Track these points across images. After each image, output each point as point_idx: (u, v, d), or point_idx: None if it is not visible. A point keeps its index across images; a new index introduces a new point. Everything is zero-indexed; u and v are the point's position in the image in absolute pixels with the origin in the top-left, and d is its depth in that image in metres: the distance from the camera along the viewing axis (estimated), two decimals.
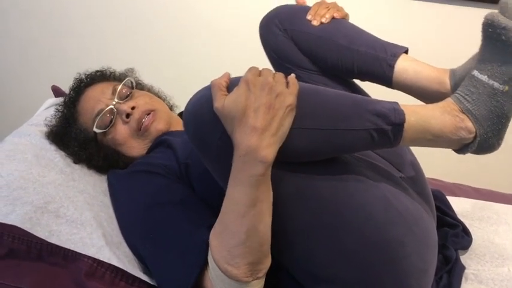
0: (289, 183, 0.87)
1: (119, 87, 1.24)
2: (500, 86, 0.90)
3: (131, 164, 1.19)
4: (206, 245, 0.89)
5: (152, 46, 2.16)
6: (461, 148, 0.94)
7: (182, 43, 2.15)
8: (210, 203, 1.01)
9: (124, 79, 1.28)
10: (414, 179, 1.04)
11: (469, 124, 0.90)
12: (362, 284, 0.91)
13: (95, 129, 1.21)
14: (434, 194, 1.28)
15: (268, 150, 0.79)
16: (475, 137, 0.92)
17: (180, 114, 1.40)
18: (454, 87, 1.02)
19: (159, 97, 1.36)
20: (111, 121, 1.21)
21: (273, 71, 0.85)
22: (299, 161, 0.87)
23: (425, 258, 0.95)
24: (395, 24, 1.95)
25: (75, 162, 1.20)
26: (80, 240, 1.01)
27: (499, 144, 0.96)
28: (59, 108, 1.30)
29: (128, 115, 1.20)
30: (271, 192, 0.84)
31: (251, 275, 0.85)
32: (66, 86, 1.36)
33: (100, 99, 1.23)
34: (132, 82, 1.30)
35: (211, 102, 0.82)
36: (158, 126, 1.22)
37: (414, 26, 1.93)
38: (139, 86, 1.36)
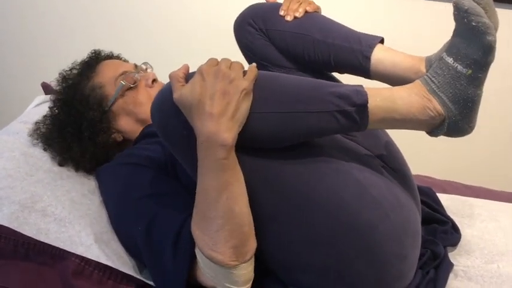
0: (256, 170, 0.88)
1: (140, 64, 1.30)
2: (464, 69, 0.90)
3: (116, 155, 1.18)
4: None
5: (146, 44, 2.15)
6: (432, 130, 0.95)
7: (178, 41, 2.14)
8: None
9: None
10: (396, 170, 1.04)
11: (436, 105, 0.91)
12: (336, 271, 0.91)
13: (122, 81, 1.22)
14: (424, 190, 1.29)
15: (228, 134, 0.81)
16: (443, 119, 0.92)
17: None
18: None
19: None
20: (136, 81, 1.25)
21: (231, 61, 0.86)
22: (266, 146, 0.88)
23: (403, 244, 0.96)
24: (390, 22, 1.95)
25: (60, 164, 1.17)
26: (68, 239, 1.00)
27: (470, 128, 0.96)
28: (74, 67, 1.31)
29: (153, 81, 1.25)
30: (241, 174, 0.86)
31: (237, 259, 0.86)
32: (56, 84, 1.34)
33: (123, 65, 1.28)
34: (147, 68, 1.34)
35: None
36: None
37: (408, 24, 1.93)
38: None
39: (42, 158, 1.16)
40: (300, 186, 0.89)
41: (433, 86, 0.92)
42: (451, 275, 1.14)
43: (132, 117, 1.24)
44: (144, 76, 1.27)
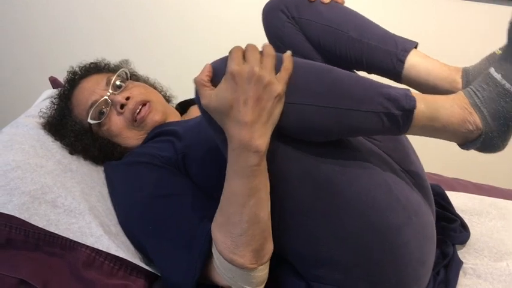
0: (296, 163, 0.86)
1: (113, 78, 1.22)
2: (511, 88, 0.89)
3: (126, 154, 1.18)
4: (209, 236, 0.89)
5: (151, 37, 2.16)
6: (466, 143, 0.94)
7: (181, 34, 2.14)
8: (208, 192, 1.01)
9: (118, 70, 1.26)
10: (414, 173, 1.03)
11: (476, 119, 0.90)
12: (361, 268, 0.91)
13: (89, 120, 1.19)
14: (433, 188, 1.28)
15: (261, 141, 0.79)
16: (480, 134, 0.91)
17: (180, 104, 1.38)
18: (466, 86, 1.01)
19: (155, 88, 1.35)
20: (105, 112, 1.19)
21: (259, 49, 0.82)
22: (310, 139, 0.86)
23: (423, 249, 0.96)
24: (399, 18, 1.94)
25: (70, 153, 1.19)
26: (78, 230, 1.00)
27: (503, 146, 0.95)
28: (54, 101, 1.28)
29: (122, 106, 1.19)
30: (268, 180, 0.85)
31: (256, 262, 0.86)
32: (64, 77, 1.35)
33: (94, 91, 1.21)
34: (126, 73, 1.28)
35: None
36: (155, 117, 1.20)
37: (418, 20, 1.93)
38: (134, 77, 1.34)
39: (51, 149, 1.16)
40: (338, 184, 0.88)
41: (477, 100, 0.90)
42: (460, 273, 1.13)
43: (115, 144, 1.22)
44: (113, 103, 1.20)
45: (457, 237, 1.20)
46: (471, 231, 1.25)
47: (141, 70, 1.40)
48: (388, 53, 1.08)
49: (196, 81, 0.82)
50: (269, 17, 1.18)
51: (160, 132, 1.17)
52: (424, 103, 0.86)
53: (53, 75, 1.55)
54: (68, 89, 1.28)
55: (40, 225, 0.98)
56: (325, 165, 0.87)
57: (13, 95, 2.31)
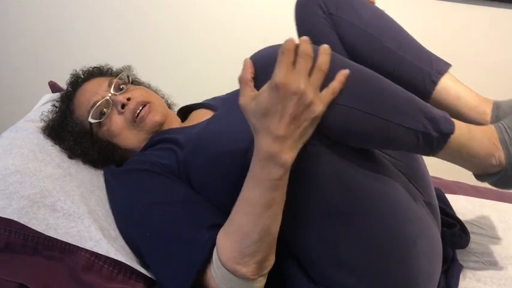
0: (330, 164, 0.86)
1: (115, 80, 1.23)
2: None
3: (126, 161, 1.17)
4: (209, 244, 0.89)
5: (153, 44, 2.16)
6: (483, 176, 0.95)
7: (183, 42, 2.15)
8: (210, 200, 1.01)
9: (120, 74, 1.28)
10: (424, 189, 1.02)
11: (501, 155, 0.90)
12: (376, 276, 0.91)
13: (90, 119, 1.18)
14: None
15: (289, 155, 0.79)
16: (500, 170, 0.92)
17: (181, 110, 1.38)
18: (495, 120, 1.01)
19: (157, 93, 1.35)
20: (106, 112, 1.19)
21: (311, 56, 0.78)
22: (347, 143, 0.86)
23: (432, 263, 0.97)
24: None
25: (69, 157, 1.19)
26: (77, 234, 1.00)
27: None
28: (56, 103, 1.29)
29: (123, 106, 1.18)
30: (285, 194, 0.84)
31: (257, 273, 0.86)
32: (63, 82, 1.35)
33: (96, 92, 1.21)
34: (128, 76, 1.29)
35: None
36: (155, 117, 1.19)
37: (423, 24, 1.93)
38: (136, 82, 1.35)
39: (51, 154, 1.16)
40: (367, 190, 0.88)
41: (506, 138, 0.91)
42: (460, 277, 1.13)
43: (115, 146, 1.21)
44: (114, 102, 1.19)
45: (457, 242, 1.19)
46: (471, 235, 1.25)
47: (143, 77, 1.40)
48: (421, 71, 1.05)
49: (241, 80, 0.82)
50: (304, 9, 1.11)
51: (161, 140, 1.16)
52: (459, 130, 0.87)
53: (53, 80, 1.55)
54: (70, 91, 1.28)
55: (39, 229, 0.98)
56: (357, 171, 0.87)
57: (12, 100, 2.31)
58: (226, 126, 1.09)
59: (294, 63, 0.78)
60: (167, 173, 1.06)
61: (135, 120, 1.18)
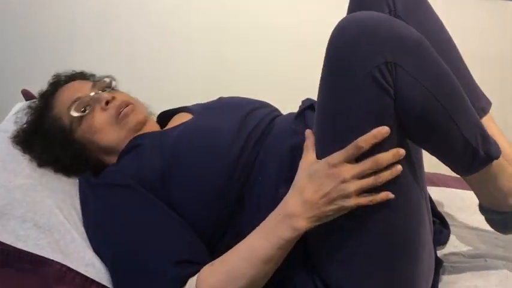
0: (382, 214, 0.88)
1: (98, 83, 1.22)
2: None
3: (104, 171, 1.13)
4: (172, 284, 0.89)
5: (128, 51, 2.13)
6: (490, 210, 1.02)
7: (161, 51, 2.13)
8: (191, 221, 1.00)
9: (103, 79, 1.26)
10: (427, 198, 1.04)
11: None
12: None
13: (71, 112, 1.16)
14: None
15: (305, 223, 0.86)
16: (508, 212, 0.98)
17: (160, 116, 1.35)
18: None
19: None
20: (88, 108, 1.17)
21: (382, 166, 0.83)
22: (413, 130, 0.86)
23: (430, 269, 1.00)
24: None
25: (39, 166, 1.15)
26: (47, 245, 0.98)
27: (507, 232, 1.05)
28: (32, 104, 1.26)
29: (107, 102, 1.17)
30: (285, 256, 0.90)
31: None
32: (37, 90, 1.33)
33: (80, 90, 1.20)
34: (111, 81, 1.27)
35: (388, 26, 0.82)
36: (138, 116, 1.18)
37: None
38: (117, 91, 1.31)
39: (21, 163, 1.14)
40: (407, 236, 0.91)
41: None
42: (440, 271, 1.12)
43: (94, 146, 1.17)
44: (97, 99, 1.18)
45: (437, 240, 1.18)
46: (452, 227, 1.24)
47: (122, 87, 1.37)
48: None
49: (304, 146, 0.92)
50: (368, 4, 1.05)
51: (135, 146, 1.13)
52: (499, 160, 0.90)
53: (26, 88, 1.52)
54: (50, 89, 1.26)
55: (8, 241, 0.96)
56: (404, 217, 0.90)
57: None
58: (206, 134, 1.08)
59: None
60: (145, 187, 1.03)
61: (119, 115, 1.16)
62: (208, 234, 1.01)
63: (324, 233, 0.91)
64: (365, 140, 0.82)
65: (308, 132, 0.93)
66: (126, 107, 1.18)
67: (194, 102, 1.32)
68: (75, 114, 1.16)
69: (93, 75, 1.33)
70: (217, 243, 1.02)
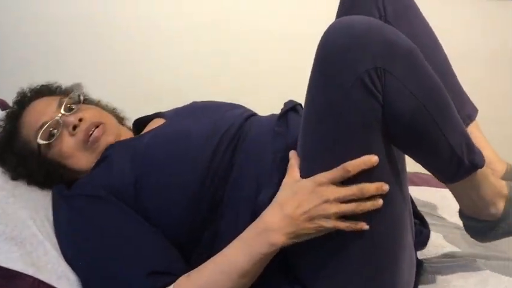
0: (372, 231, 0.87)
1: (66, 100, 1.17)
2: None
3: (77, 182, 1.12)
4: None
5: (100, 57, 2.10)
6: (470, 217, 1.02)
7: (134, 53, 2.11)
8: (165, 228, 0.99)
9: (71, 93, 1.21)
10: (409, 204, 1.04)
11: (500, 210, 0.97)
12: None
13: (38, 140, 1.13)
14: None
15: (283, 239, 0.85)
16: (488, 220, 0.99)
17: (135, 123, 1.34)
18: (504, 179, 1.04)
19: (107, 111, 1.29)
20: (56, 133, 1.14)
21: (365, 196, 0.84)
22: (401, 138, 0.86)
23: (411, 272, 1.00)
24: None
25: (13, 179, 1.14)
26: (20, 258, 0.97)
27: (487, 241, 1.06)
28: (1, 122, 1.23)
29: (74, 127, 1.13)
30: (261, 270, 0.90)
31: None
32: (10, 99, 1.31)
33: (45, 112, 1.16)
34: (79, 96, 1.23)
35: (379, 32, 0.81)
36: (108, 139, 1.15)
37: None
38: (87, 101, 1.28)
39: None
40: (393, 248, 0.92)
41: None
42: (421, 271, 1.12)
43: (67, 168, 1.15)
44: (64, 123, 1.13)
45: (417, 242, 1.17)
46: (431, 226, 1.23)
47: (94, 93, 1.35)
48: None
49: (289, 165, 0.91)
50: (357, 6, 1.04)
51: (106, 157, 1.11)
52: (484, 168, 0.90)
53: (1, 98, 1.50)
54: (16, 110, 1.22)
55: None
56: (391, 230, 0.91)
57: None
58: (175, 139, 1.07)
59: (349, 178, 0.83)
60: (117, 196, 1.02)
61: (88, 140, 1.13)
62: (183, 241, 1.00)
63: (307, 250, 0.91)
64: (353, 165, 0.82)
65: (292, 153, 0.92)
66: (96, 128, 1.14)
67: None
68: (41, 142, 1.13)
69: (59, 87, 1.29)
70: (193, 249, 1.01)
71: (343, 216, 0.85)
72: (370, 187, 0.83)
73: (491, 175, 0.96)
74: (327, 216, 0.84)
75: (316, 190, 0.84)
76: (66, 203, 1.08)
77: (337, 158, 0.84)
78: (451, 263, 1.15)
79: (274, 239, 0.85)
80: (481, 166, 0.89)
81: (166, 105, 1.35)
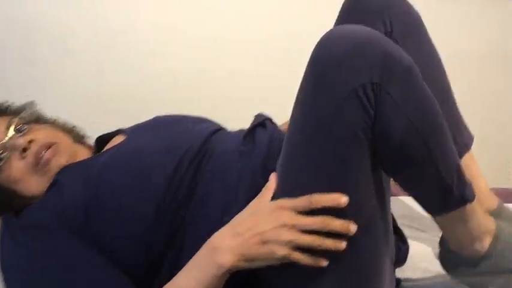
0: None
1: (15, 121, 1.11)
2: None
3: (26, 209, 1.05)
4: None
5: (57, 69, 1.97)
6: (449, 248, 0.99)
7: (99, 63, 2.03)
8: (122, 254, 0.94)
9: (21, 112, 1.15)
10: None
11: (485, 247, 0.95)
12: None
13: None
14: None
15: (231, 259, 0.80)
16: (471, 257, 0.96)
17: (97, 140, 1.27)
18: (494, 216, 1.02)
19: (64, 130, 1.21)
20: (4, 158, 1.07)
21: (327, 230, 0.78)
22: (390, 159, 0.83)
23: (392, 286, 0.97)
24: None
25: None
26: None
27: (457, 276, 1.03)
28: None
29: (24, 149, 1.07)
30: None
31: None
32: None
33: None
34: (30, 115, 1.17)
35: (379, 44, 0.78)
36: (60, 160, 1.08)
37: None
38: (41, 120, 1.21)
39: None
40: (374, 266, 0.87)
41: (503, 238, 0.95)
42: None
43: (17, 194, 1.08)
44: (13, 146, 1.07)
45: (396, 261, 1.13)
46: (410, 240, 1.19)
47: (49, 111, 1.27)
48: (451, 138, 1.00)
49: (266, 186, 0.86)
50: (360, 18, 0.99)
51: (58, 180, 1.05)
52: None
53: None
54: None
55: None
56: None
57: None
58: (130, 158, 1.02)
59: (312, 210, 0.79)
60: (66, 223, 0.96)
61: (39, 163, 1.07)
62: (142, 265, 0.95)
63: (279, 268, 0.85)
64: (318, 200, 0.78)
65: (272, 176, 0.87)
66: (48, 149, 1.08)
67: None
68: None
69: (9, 107, 1.21)
70: (156, 272, 0.96)
71: None
72: (335, 222, 0.78)
73: (479, 210, 0.93)
74: (280, 243, 0.78)
75: (275, 212, 0.80)
76: (11, 235, 1.01)
77: (317, 177, 0.81)
78: (430, 280, 1.12)
79: (221, 258, 0.81)
80: (471, 200, 0.86)
81: (137, 119, 1.30)
